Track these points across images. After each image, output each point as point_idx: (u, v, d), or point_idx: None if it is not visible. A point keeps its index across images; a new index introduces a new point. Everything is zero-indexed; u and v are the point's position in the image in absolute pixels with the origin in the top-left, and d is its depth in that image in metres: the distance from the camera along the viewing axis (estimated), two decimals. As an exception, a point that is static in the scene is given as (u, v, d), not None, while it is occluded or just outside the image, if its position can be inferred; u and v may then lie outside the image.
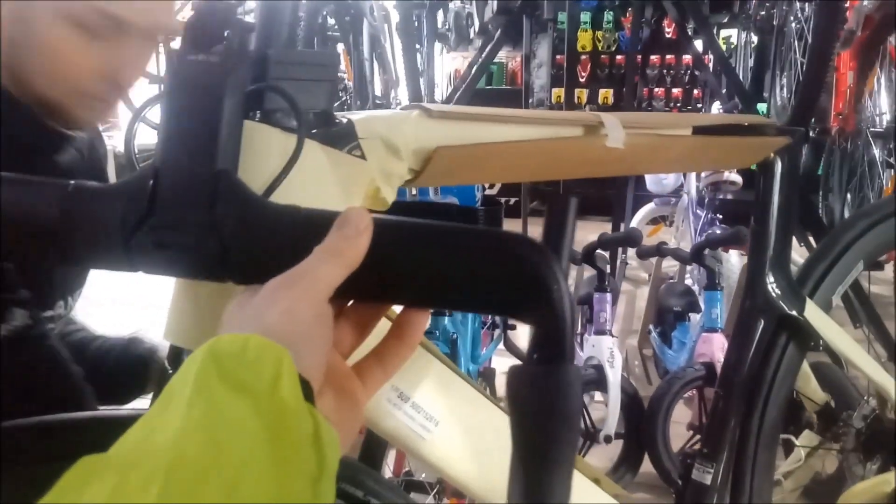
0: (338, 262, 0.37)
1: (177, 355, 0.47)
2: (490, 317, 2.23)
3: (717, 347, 1.72)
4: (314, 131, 0.50)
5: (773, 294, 0.88)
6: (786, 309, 0.88)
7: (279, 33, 0.47)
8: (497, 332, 2.18)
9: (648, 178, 3.17)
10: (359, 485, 0.61)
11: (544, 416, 0.40)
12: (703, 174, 2.76)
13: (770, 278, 0.88)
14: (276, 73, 0.46)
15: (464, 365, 1.78)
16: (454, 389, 0.60)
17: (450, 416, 0.59)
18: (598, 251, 1.80)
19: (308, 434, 0.31)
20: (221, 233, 0.39)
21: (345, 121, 0.53)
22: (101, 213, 0.40)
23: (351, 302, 0.42)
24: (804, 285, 0.93)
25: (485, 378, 1.88)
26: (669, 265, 2.74)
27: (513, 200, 4.84)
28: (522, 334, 2.95)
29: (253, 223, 0.40)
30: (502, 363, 2.44)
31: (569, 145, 0.70)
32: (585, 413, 1.74)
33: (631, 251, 3.36)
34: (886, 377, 0.93)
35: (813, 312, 0.89)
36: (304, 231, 0.39)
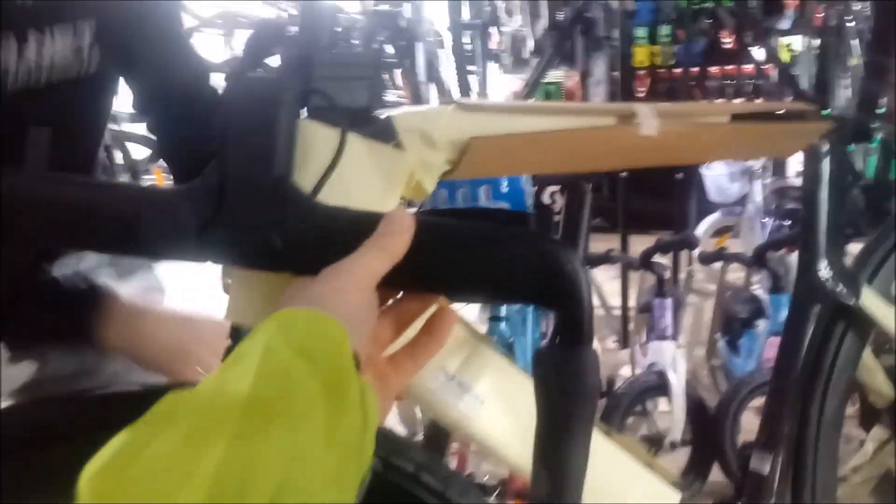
0: (383, 255, 0.43)
1: (236, 332, 0.53)
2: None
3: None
4: (357, 127, 0.55)
5: (827, 282, 0.88)
6: (840, 297, 0.87)
7: (321, 36, 0.52)
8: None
9: (711, 188, 3.11)
10: (409, 459, 0.63)
11: (566, 393, 0.46)
12: (767, 181, 2.70)
13: (823, 265, 0.88)
14: (320, 73, 0.52)
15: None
16: (501, 371, 0.63)
17: (496, 396, 0.63)
18: (658, 258, 1.80)
19: (356, 396, 0.36)
20: (280, 232, 0.45)
21: (385, 117, 0.58)
22: (176, 213, 0.46)
23: (391, 301, 0.48)
24: (861, 273, 0.92)
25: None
26: (736, 276, 2.68)
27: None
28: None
29: (308, 223, 0.46)
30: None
31: (602, 135, 0.73)
32: (650, 420, 1.73)
33: (696, 263, 3.30)
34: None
35: (870, 299, 0.88)
36: (353, 229, 0.45)
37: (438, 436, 1.23)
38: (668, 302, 1.77)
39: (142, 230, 0.47)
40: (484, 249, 0.46)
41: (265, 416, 0.32)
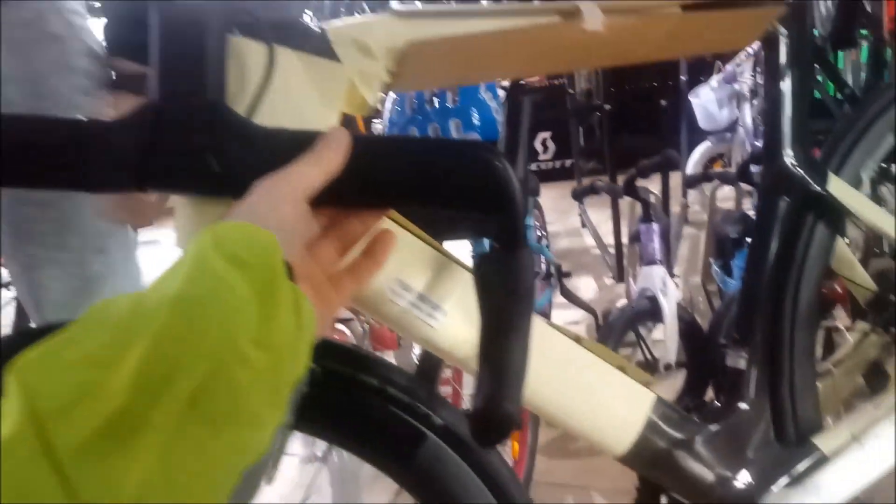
0: (316, 169, 0.44)
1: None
2: (545, 267, 2.23)
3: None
4: (288, 41, 0.54)
5: (794, 171, 0.86)
6: (808, 184, 0.86)
7: None
8: (552, 280, 2.18)
9: (700, 116, 3.08)
10: (373, 373, 0.63)
11: (504, 293, 0.49)
12: (755, 102, 2.66)
13: (788, 154, 0.86)
14: None
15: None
16: (468, 287, 0.63)
17: (457, 307, 0.62)
18: (646, 185, 1.78)
19: (288, 301, 0.37)
20: (217, 155, 0.46)
21: (318, 29, 0.57)
22: (114, 143, 0.46)
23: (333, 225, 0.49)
24: (829, 161, 0.90)
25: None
26: (727, 197, 2.66)
27: (568, 162, 4.79)
28: (581, 285, 2.94)
29: (245, 144, 0.46)
30: (564, 316, 2.44)
31: (546, 34, 0.71)
32: (643, 344, 1.73)
33: (692, 194, 3.28)
34: (924, 244, 0.89)
35: (838, 186, 0.86)
36: (291, 148, 0.45)
37: (429, 367, 1.24)
38: (655, 227, 1.75)
39: (81, 161, 0.47)
40: (419, 158, 0.47)
41: (192, 314, 0.33)
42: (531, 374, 0.71)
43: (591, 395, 0.74)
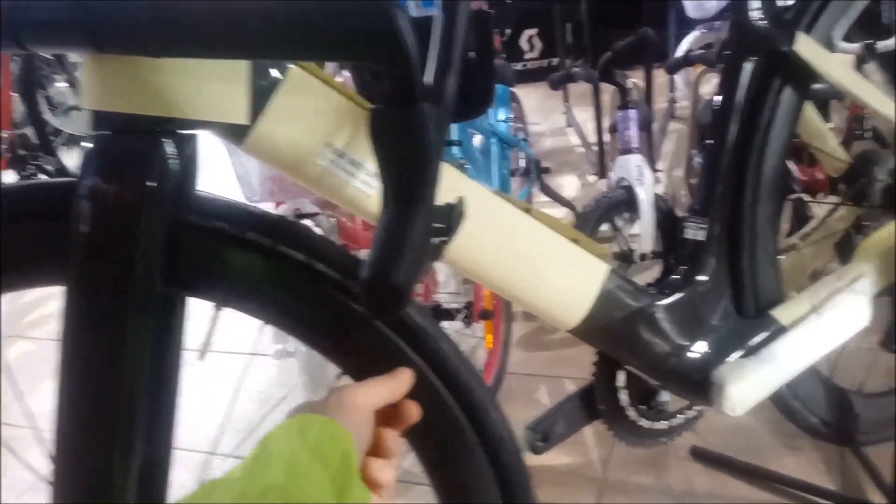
0: (385, 395, 0.54)
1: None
2: (523, 164, 2.18)
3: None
4: None
5: (759, 27, 0.81)
6: (773, 43, 0.80)
7: None
8: (531, 176, 2.14)
9: (688, 5, 2.95)
10: (300, 247, 0.58)
11: (401, 155, 0.46)
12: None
13: (754, 8, 0.80)
14: None
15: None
16: None
17: None
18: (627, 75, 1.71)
19: (358, 497, 0.46)
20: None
21: None
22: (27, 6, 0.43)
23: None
24: (799, 20, 0.85)
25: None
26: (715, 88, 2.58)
27: (555, 61, 4.65)
28: (564, 183, 2.90)
29: None
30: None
31: None
32: (619, 234, 1.71)
33: (680, 89, 3.19)
34: (888, 104, 0.85)
35: (806, 46, 0.81)
36: None
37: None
38: (632, 113, 1.70)
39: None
40: (307, 7, 0.43)
41: (283, 495, 0.41)
42: (472, 244, 0.68)
43: (538, 265, 0.72)
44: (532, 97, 3.88)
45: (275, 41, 0.44)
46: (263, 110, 0.54)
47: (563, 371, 1.61)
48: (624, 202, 1.67)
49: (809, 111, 1.02)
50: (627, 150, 1.69)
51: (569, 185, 2.89)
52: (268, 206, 1.29)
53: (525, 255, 0.71)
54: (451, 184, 0.61)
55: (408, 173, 0.46)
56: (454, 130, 1.39)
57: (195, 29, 0.43)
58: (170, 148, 0.51)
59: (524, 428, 0.91)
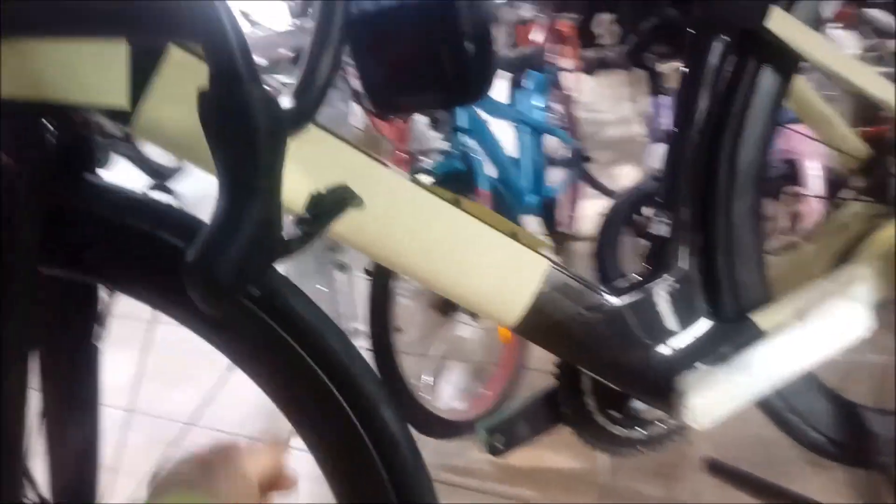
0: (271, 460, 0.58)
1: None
2: (565, 152, 2.11)
3: (799, 141, 1.50)
4: None
5: (728, 4, 0.73)
6: (745, 21, 0.73)
7: None
8: (574, 164, 2.07)
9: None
10: (179, 233, 0.57)
11: (232, 139, 0.43)
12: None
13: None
14: None
15: (524, 197, 1.72)
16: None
17: (297, 156, 0.57)
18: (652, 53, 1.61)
19: None
20: None
21: None
22: None
23: None
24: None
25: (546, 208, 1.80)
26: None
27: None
28: (623, 174, 2.79)
29: None
30: (594, 204, 2.33)
31: None
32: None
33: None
34: (886, 87, 0.75)
35: (781, 22, 0.73)
36: None
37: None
38: (665, 100, 1.60)
39: None
40: None
41: None
42: (380, 230, 0.65)
43: (466, 257, 0.68)
44: (603, 85, 3.75)
45: (98, 22, 0.43)
46: (144, 93, 0.54)
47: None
48: (655, 193, 1.58)
49: (809, 93, 0.92)
50: (659, 140, 1.60)
51: (626, 175, 2.78)
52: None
53: (446, 245, 0.68)
54: (351, 168, 0.60)
55: (240, 161, 0.45)
56: (463, 117, 1.36)
57: (43, 10, 0.43)
58: (49, 130, 0.51)
59: (481, 428, 0.88)
